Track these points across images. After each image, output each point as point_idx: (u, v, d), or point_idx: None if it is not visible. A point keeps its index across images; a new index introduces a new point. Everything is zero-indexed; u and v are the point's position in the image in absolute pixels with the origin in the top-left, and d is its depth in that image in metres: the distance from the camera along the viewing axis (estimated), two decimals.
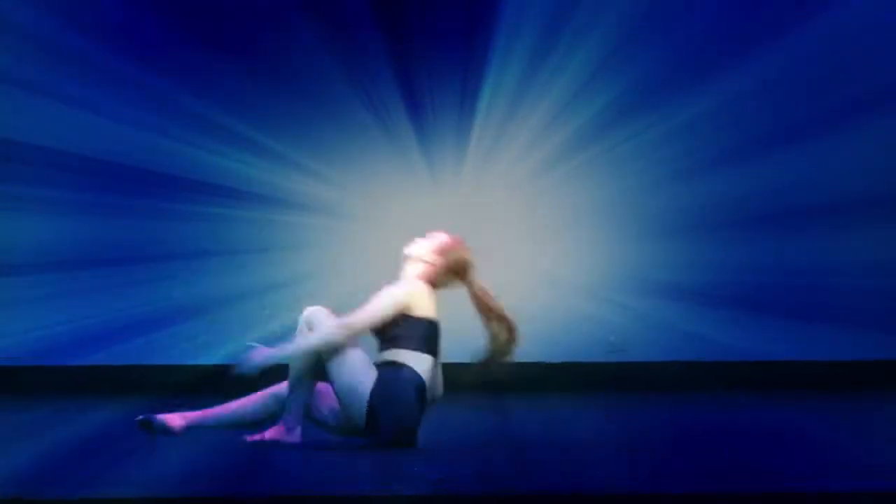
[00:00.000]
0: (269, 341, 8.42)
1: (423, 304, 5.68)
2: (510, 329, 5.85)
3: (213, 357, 8.66)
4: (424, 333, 5.61)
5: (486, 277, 8.67)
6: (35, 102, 8.54)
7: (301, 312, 5.75)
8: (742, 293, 8.65)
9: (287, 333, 8.52)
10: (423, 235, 8.62)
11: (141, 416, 5.69)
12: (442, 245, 5.90)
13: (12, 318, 8.60)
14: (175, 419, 5.62)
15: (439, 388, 5.77)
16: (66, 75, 8.54)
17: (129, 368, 8.78)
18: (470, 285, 5.85)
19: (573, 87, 8.66)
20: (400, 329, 5.58)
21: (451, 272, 5.83)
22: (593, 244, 8.75)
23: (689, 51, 8.65)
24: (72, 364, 8.64)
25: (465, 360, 6.09)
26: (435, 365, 5.68)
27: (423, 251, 5.92)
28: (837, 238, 8.63)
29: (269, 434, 5.53)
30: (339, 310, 8.65)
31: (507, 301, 8.62)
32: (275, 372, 5.69)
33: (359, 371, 5.51)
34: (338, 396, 5.55)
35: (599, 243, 8.75)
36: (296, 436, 5.52)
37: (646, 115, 8.67)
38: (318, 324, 5.54)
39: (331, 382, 5.55)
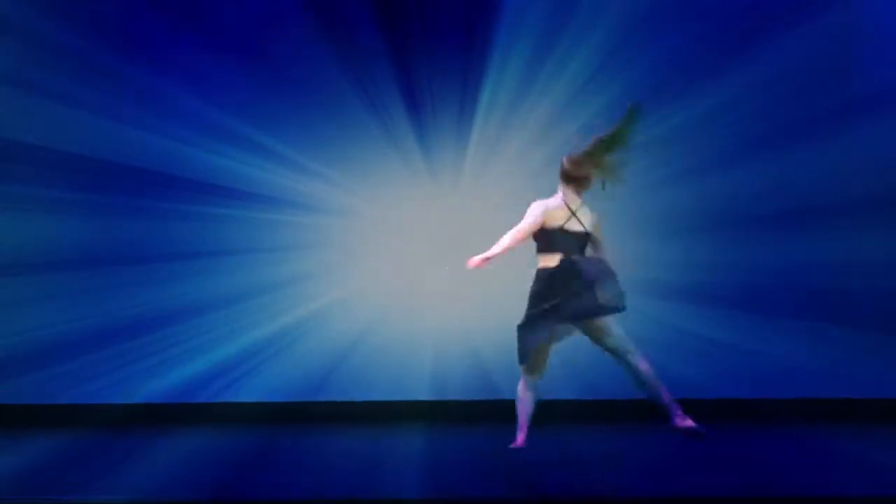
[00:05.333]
0: (272, 340, 8.59)
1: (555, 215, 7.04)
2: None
3: (213, 356, 8.71)
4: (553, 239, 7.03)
5: (485, 276, 8.79)
6: (35, 102, 8.60)
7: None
8: (739, 293, 8.71)
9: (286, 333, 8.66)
10: (422, 234, 8.75)
11: None
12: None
13: (13, 318, 8.62)
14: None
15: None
16: (67, 75, 8.62)
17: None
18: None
19: (572, 88, 8.79)
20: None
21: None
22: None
23: (687, 55, 8.80)
24: (71, 363, 8.63)
25: None
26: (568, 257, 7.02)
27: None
28: (832, 238, 8.69)
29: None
30: (343, 304, 8.72)
31: (506, 300, 8.74)
32: None
33: None
34: None
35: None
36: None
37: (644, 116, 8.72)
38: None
39: None
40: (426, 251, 8.90)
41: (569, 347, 8.72)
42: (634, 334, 8.73)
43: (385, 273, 8.89)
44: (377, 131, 8.85)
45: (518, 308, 8.80)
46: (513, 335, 8.75)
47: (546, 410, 8.63)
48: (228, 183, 8.81)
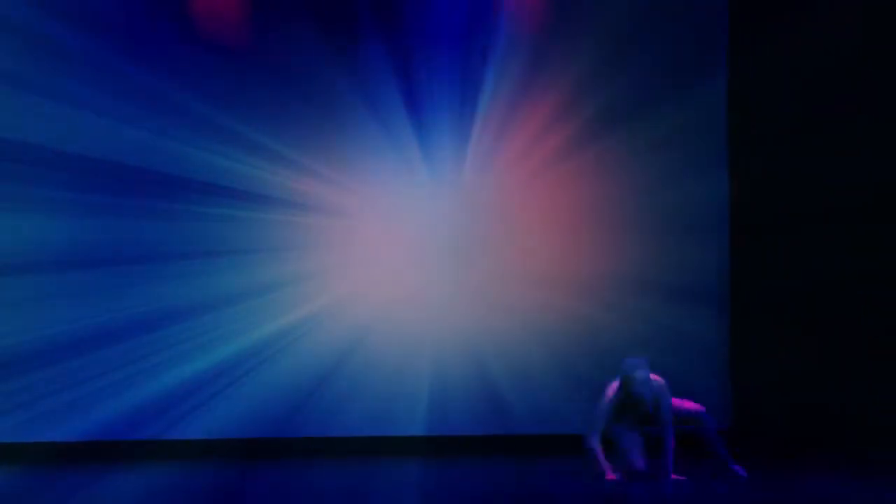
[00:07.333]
0: (273, 339, 8.57)
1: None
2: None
3: (213, 356, 8.69)
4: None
5: (484, 276, 8.78)
6: (36, 102, 8.62)
7: None
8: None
9: (289, 330, 8.67)
10: (422, 234, 8.76)
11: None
12: None
13: (12, 318, 8.59)
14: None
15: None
16: (68, 75, 8.65)
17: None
18: None
19: (572, 87, 8.83)
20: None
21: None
22: (591, 244, 8.82)
23: (682, 60, 8.81)
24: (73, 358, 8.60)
25: None
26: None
27: None
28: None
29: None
30: (343, 304, 8.71)
31: (506, 299, 8.76)
32: None
33: None
34: None
35: (597, 243, 8.83)
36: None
37: (640, 119, 8.78)
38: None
39: None
40: (426, 251, 8.91)
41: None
42: (635, 333, 8.82)
43: (387, 270, 8.90)
44: (377, 131, 8.87)
45: (515, 304, 8.84)
46: (518, 343, 8.85)
47: None
48: (229, 183, 8.80)
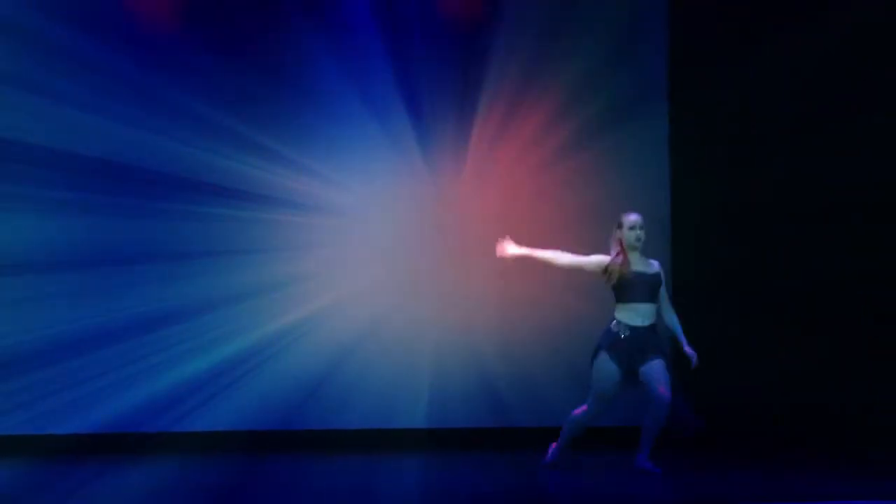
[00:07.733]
0: (273, 339, 8.58)
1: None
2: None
3: (215, 356, 8.70)
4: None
5: (485, 276, 8.80)
6: (36, 102, 8.60)
7: None
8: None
9: (289, 331, 8.69)
10: (421, 234, 8.78)
11: None
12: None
13: (12, 318, 8.59)
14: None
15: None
16: (68, 75, 8.66)
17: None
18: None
19: (572, 86, 8.86)
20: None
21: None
22: (589, 243, 8.81)
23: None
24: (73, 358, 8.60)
25: None
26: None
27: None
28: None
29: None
30: (343, 303, 8.73)
31: (505, 299, 8.79)
32: None
33: None
34: None
35: (597, 242, 8.82)
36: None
37: (641, 118, 8.81)
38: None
39: None
40: (425, 250, 8.93)
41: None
42: None
43: (387, 270, 8.91)
44: (377, 131, 8.88)
45: (515, 305, 8.86)
46: (517, 339, 8.87)
47: None
48: (229, 184, 8.82)
